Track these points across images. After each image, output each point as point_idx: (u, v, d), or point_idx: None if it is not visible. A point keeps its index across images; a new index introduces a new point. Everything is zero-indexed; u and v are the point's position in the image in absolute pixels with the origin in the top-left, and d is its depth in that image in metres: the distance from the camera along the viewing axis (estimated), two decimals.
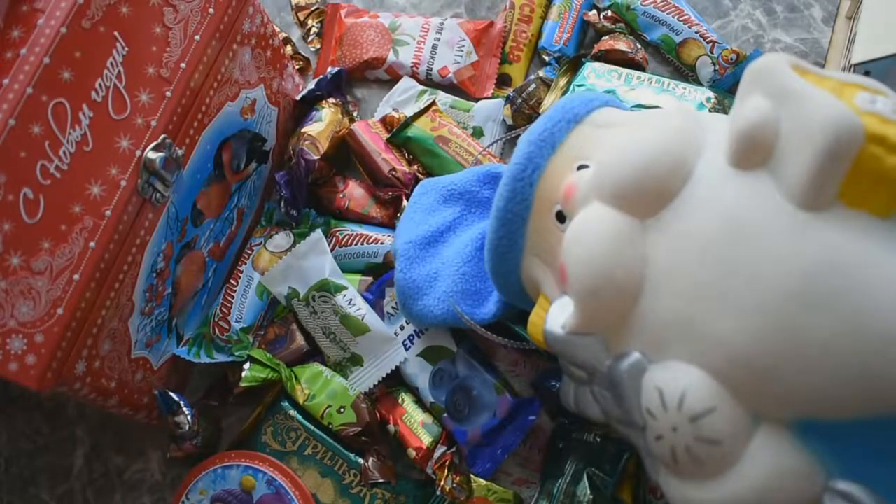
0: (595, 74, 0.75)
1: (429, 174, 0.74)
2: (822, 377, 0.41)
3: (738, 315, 0.43)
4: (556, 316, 0.51)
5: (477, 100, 0.79)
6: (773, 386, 0.43)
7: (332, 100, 0.76)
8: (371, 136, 0.75)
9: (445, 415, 0.65)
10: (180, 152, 0.59)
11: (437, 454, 0.64)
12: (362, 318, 0.66)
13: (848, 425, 0.42)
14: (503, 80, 0.81)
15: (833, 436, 0.43)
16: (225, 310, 0.68)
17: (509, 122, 0.77)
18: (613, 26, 0.80)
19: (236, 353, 0.67)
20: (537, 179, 0.53)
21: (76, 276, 0.52)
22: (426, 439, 0.64)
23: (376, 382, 0.66)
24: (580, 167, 0.52)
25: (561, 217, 0.52)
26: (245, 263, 0.71)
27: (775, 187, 0.43)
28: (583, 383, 0.53)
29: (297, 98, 0.77)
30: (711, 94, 0.73)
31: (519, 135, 0.61)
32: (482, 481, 0.64)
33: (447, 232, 0.66)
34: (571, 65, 0.78)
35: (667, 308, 0.45)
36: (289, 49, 0.83)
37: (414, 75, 0.81)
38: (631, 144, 0.48)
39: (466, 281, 0.63)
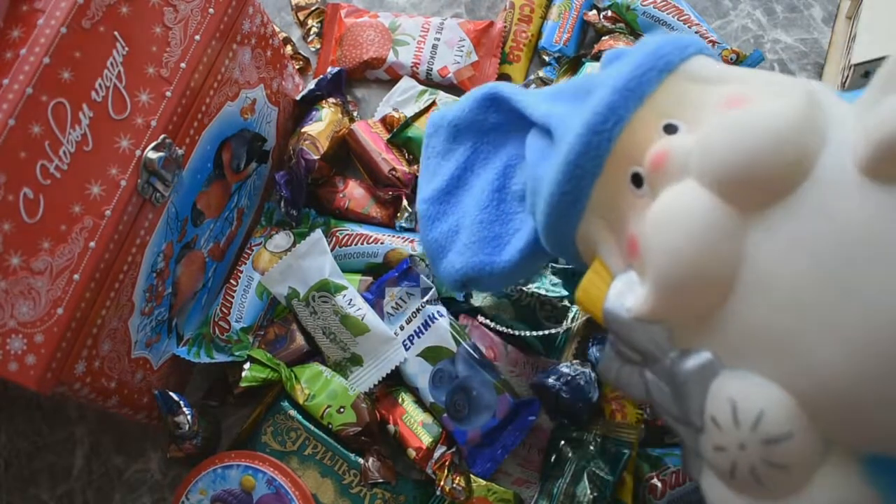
0: None
1: None
2: None
3: (844, 344, 0.38)
4: (620, 294, 0.46)
5: None
6: (860, 421, 0.40)
7: (332, 100, 0.76)
8: (371, 136, 0.75)
9: (445, 415, 0.65)
10: (180, 152, 0.59)
11: (437, 454, 0.64)
12: (362, 318, 0.66)
13: None
14: (503, 80, 0.81)
15: None
16: (225, 310, 0.68)
17: None
18: (613, 26, 0.80)
19: (236, 353, 0.67)
20: (618, 134, 0.46)
21: (76, 276, 0.52)
22: (426, 439, 0.64)
23: (376, 382, 0.66)
24: (668, 126, 0.46)
25: (637, 180, 0.46)
26: (245, 263, 0.71)
27: None
28: (632, 363, 0.49)
29: (297, 98, 0.77)
30: None
31: None
32: (482, 481, 0.64)
33: (464, 174, 0.61)
34: (571, 65, 0.78)
35: (760, 318, 0.41)
36: (289, 49, 0.83)
37: (414, 75, 0.81)
38: (749, 124, 0.41)
39: (484, 228, 0.58)
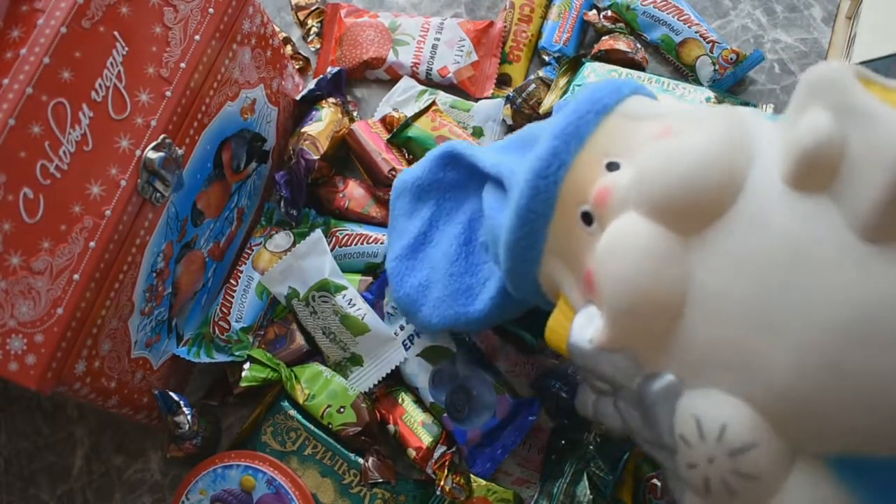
0: (595, 74, 0.75)
1: None
2: (876, 418, 0.39)
3: (791, 350, 0.40)
4: (582, 328, 0.48)
5: (477, 100, 0.79)
6: (821, 424, 0.41)
7: (332, 100, 0.76)
8: (371, 136, 0.75)
9: (445, 415, 0.65)
10: (180, 152, 0.59)
11: (437, 454, 0.64)
12: (362, 318, 0.66)
13: (890, 461, 0.41)
14: (503, 80, 0.81)
15: (874, 472, 0.41)
16: (225, 310, 0.68)
17: (509, 122, 0.77)
18: (613, 26, 0.80)
19: (236, 353, 0.67)
20: (563, 177, 0.49)
21: (76, 276, 0.52)
22: (426, 439, 0.64)
23: (376, 382, 0.66)
24: (609, 164, 0.48)
25: (587, 219, 0.49)
26: (245, 263, 0.71)
27: (837, 214, 0.40)
28: (605, 394, 0.51)
29: (297, 98, 0.77)
30: (711, 94, 0.73)
31: None
32: (482, 481, 0.64)
33: (430, 231, 0.65)
34: (571, 65, 0.78)
35: (711, 334, 0.42)
36: (289, 49, 0.83)
37: (414, 75, 0.81)
38: (677, 153, 0.44)
39: (455, 280, 0.61)
